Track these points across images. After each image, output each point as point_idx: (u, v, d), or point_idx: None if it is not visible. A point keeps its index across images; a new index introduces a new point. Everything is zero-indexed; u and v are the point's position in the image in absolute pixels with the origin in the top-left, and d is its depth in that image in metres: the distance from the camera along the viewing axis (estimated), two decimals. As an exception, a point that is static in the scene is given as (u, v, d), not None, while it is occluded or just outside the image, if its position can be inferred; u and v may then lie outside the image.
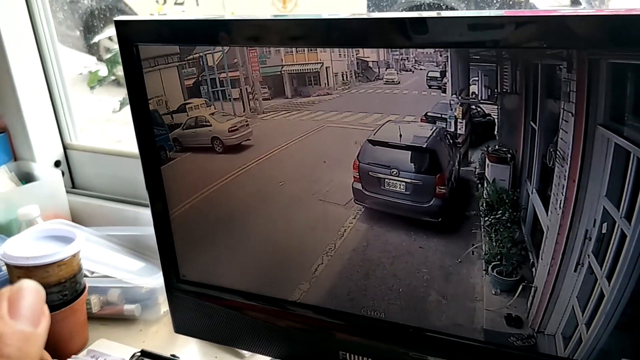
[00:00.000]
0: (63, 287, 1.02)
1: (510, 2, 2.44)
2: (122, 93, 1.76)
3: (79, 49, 3.27)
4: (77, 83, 1.78)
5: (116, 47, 1.59)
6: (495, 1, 2.46)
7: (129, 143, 2.75)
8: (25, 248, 1.01)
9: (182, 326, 1.01)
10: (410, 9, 2.63)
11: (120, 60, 1.64)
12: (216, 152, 0.85)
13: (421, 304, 0.79)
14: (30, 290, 0.54)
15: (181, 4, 3.22)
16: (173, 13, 1.79)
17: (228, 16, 0.76)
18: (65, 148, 1.54)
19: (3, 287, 1.12)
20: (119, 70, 1.73)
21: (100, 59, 2.96)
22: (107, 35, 1.88)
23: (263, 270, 0.90)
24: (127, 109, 1.56)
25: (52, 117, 1.51)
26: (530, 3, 2.40)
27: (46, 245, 1.03)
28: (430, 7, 2.57)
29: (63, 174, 1.48)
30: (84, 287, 1.07)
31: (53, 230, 1.08)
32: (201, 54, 0.80)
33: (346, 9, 2.86)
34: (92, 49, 3.09)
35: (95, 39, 2.65)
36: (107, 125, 2.94)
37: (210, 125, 0.84)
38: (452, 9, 2.52)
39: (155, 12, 1.64)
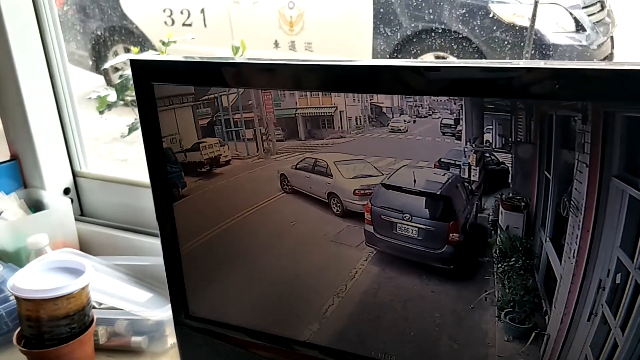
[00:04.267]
0: (71, 320, 1.01)
1: (516, 31, 2.46)
2: (128, 113, 1.76)
3: (88, 68, 3.29)
4: (84, 103, 1.79)
5: (126, 72, 1.60)
6: (497, 27, 2.48)
7: (135, 162, 2.77)
8: (34, 281, 1.01)
9: (190, 362, 1.01)
10: (416, 35, 2.65)
11: (129, 86, 1.65)
12: (333, 212, 0.77)
13: (433, 348, 0.78)
14: None
15: (189, 25, 3.24)
16: (182, 40, 1.80)
17: (244, 59, 0.77)
18: (74, 175, 1.55)
19: (11, 317, 1.12)
20: (128, 95, 1.74)
21: (108, 78, 2.98)
22: (116, 62, 1.89)
23: (273, 309, 0.90)
24: (135, 134, 1.56)
25: (62, 145, 1.51)
26: (535, 29, 2.42)
27: (55, 278, 1.03)
28: (435, 33, 2.59)
29: (72, 201, 1.48)
30: (92, 320, 1.06)
31: (62, 262, 1.08)
32: (216, 94, 0.80)
33: (352, 32, 2.88)
34: (101, 69, 3.11)
35: (106, 65, 2.67)
36: (114, 144, 2.96)
37: (332, 177, 0.77)
38: (457, 33, 2.53)
39: (164, 35, 1.65)
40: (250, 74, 0.77)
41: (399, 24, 2.72)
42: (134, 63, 0.84)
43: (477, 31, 2.52)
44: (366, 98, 0.72)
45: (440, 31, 2.61)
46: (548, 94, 0.61)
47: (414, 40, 2.67)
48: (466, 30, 2.53)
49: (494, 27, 2.48)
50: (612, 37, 2.64)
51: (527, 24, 2.44)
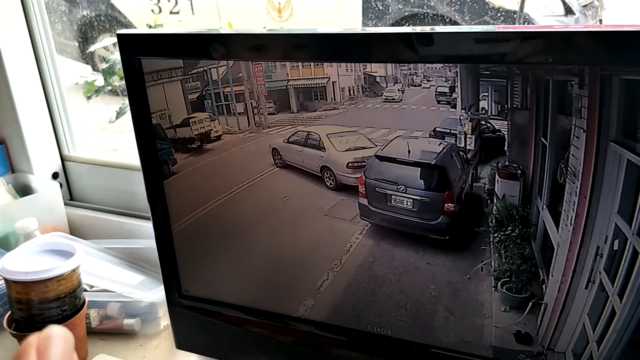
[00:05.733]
0: (62, 303, 1.00)
1: (503, 12, 2.45)
2: (117, 102, 1.75)
3: (75, 57, 3.26)
4: (72, 91, 1.77)
5: (112, 56, 1.58)
6: (487, 10, 2.47)
7: (125, 151, 2.75)
8: (24, 263, 1.00)
9: (184, 342, 1.00)
10: (405, 19, 2.64)
11: (116, 70, 1.62)
12: (326, 186, 0.76)
13: (429, 320, 0.78)
14: (59, 338, 0.52)
15: (177, 13, 3.22)
16: (169, 23, 1.78)
17: (233, 30, 0.76)
18: (63, 160, 1.53)
19: (1, 301, 1.11)
20: (116, 81, 1.72)
21: (95, 68, 2.95)
22: (102, 45, 1.87)
23: (267, 285, 0.89)
24: (123, 118, 1.55)
25: (50, 129, 1.49)
26: (524, 13, 2.42)
27: (45, 260, 1.01)
28: (422, 17, 2.58)
29: (61, 185, 1.46)
30: (84, 302, 1.05)
31: (52, 244, 1.07)
32: (205, 68, 0.79)
33: (341, 17, 2.87)
34: (88, 58, 3.08)
35: (91, 49, 2.64)
36: (103, 134, 2.93)
37: (324, 150, 0.76)
38: (446, 17, 2.52)
39: (151, 22, 1.63)
40: (240, 45, 0.75)
41: (388, 8, 2.71)
42: (121, 38, 0.82)
43: (466, 15, 2.51)
44: (359, 68, 0.71)
45: (429, 16, 2.60)
46: (544, 58, 0.60)
47: (404, 24, 2.66)
48: (455, 15, 2.52)
49: (483, 11, 2.47)
50: (600, 21, 2.63)
51: (516, 7, 2.43)
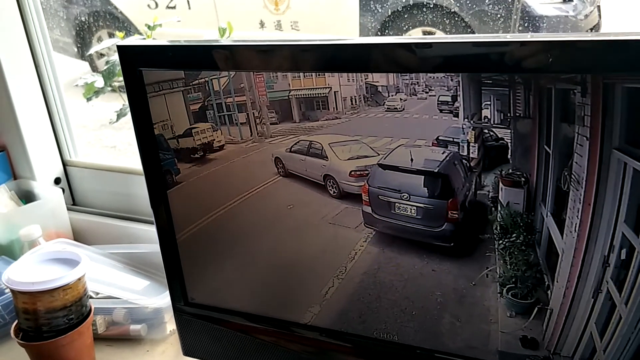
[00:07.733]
0: (69, 311, 1.00)
1: (504, 4, 2.44)
2: (116, 99, 1.74)
3: (72, 55, 3.25)
4: (71, 90, 1.77)
5: (112, 58, 1.57)
6: (485, 0, 2.46)
7: (124, 148, 2.74)
8: (29, 273, 1.00)
9: (191, 349, 1.00)
10: (404, 10, 2.62)
11: (116, 72, 1.62)
12: (330, 195, 0.76)
13: (435, 326, 0.78)
14: None
15: (173, 7, 3.20)
16: (168, 23, 1.77)
17: (233, 41, 0.76)
18: (64, 165, 1.53)
19: (7, 309, 1.11)
20: (116, 81, 1.71)
21: (94, 68, 2.94)
22: (101, 47, 1.86)
23: (273, 293, 0.89)
24: (124, 119, 1.54)
25: (50, 134, 1.49)
26: (522, 1, 2.40)
27: (51, 269, 1.02)
28: (423, 7, 2.56)
29: (63, 191, 1.47)
30: (90, 310, 1.05)
31: (57, 253, 1.07)
32: (207, 78, 0.79)
33: (338, 9, 2.85)
34: (86, 56, 3.07)
35: (90, 51, 2.63)
36: (102, 131, 2.93)
37: (327, 159, 0.76)
38: (445, 8, 2.51)
39: (149, 19, 1.62)
40: (241, 56, 0.75)
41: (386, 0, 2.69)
42: (121, 49, 0.82)
43: (465, 5, 2.50)
44: (361, 77, 0.71)
45: (428, 6, 2.58)
46: (545, 67, 0.60)
47: (403, 15, 2.65)
48: (453, 3, 2.51)
49: (482, 1, 2.45)
50: (599, 7, 2.62)
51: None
